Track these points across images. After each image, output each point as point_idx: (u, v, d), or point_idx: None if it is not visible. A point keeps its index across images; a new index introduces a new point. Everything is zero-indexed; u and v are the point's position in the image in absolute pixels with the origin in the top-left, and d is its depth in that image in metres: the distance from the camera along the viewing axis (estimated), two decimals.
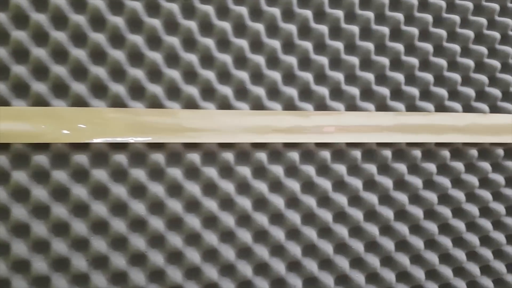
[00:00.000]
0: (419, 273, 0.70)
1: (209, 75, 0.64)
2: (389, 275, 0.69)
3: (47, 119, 0.58)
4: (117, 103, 0.61)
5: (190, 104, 0.63)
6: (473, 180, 0.73)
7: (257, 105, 0.66)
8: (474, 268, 0.73)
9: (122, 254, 0.61)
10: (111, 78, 0.61)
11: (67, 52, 0.59)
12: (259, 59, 0.65)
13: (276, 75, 0.66)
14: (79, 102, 0.60)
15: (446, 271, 0.72)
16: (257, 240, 0.66)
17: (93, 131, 0.59)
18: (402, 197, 0.70)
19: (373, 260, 0.69)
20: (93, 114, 0.59)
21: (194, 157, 0.63)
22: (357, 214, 0.69)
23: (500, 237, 0.74)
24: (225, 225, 0.64)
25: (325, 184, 0.68)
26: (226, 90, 0.64)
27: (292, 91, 0.66)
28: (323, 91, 0.67)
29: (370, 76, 0.69)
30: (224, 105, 0.65)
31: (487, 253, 0.73)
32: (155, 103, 0.62)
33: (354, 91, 0.68)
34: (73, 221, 0.59)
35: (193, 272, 0.64)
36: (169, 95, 0.63)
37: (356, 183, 0.69)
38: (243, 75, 0.65)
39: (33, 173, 0.58)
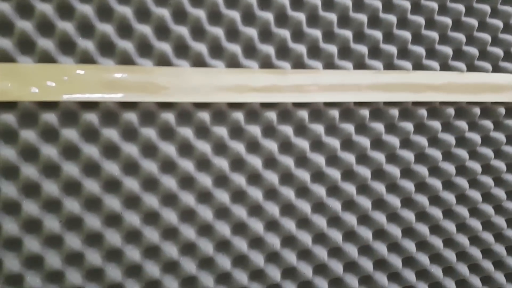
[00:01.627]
0: (396, 231, 0.71)
1: (182, 30, 0.61)
2: (366, 232, 0.70)
3: (13, 77, 0.55)
4: (86, 59, 0.58)
5: (163, 61, 0.61)
6: (450, 139, 0.73)
7: (233, 63, 0.64)
8: (450, 226, 0.74)
9: (96, 215, 0.60)
10: (79, 33, 0.58)
11: (32, 6, 0.56)
12: (235, 15, 0.63)
13: (252, 32, 0.64)
14: (46, 59, 0.57)
15: (423, 229, 0.73)
16: (235, 200, 0.66)
17: (62, 89, 0.56)
18: (379, 156, 0.70)
19: (350, 218, 0.69)
20: (61, 71, 0.57)
21: (169, 116, 0.62)
22: (335, 174, 0.68)
23: (476, 195, 0.75)
24: (202, 185, 0.64)
25: (303, 144, 0.67)
26: (201, 47, 0.62)
27: (269, 49, 0.65)
28: (301, 49, 0.66)
29: (348, 34, 0.67)
30: (199, 62, 0.63)
31: (463, 211, 0.74)
32: (126, 60, 0.60)
33: (332, 49, 0.67)
34: (43, 182, 0.58)
35: (170, 232, 0.63)
36: (140, 52, 0.61)
37: (334, 143, 0.68)
38: (218, 32, 0.63)
39: (0, 133, 0.56)
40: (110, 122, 0.60)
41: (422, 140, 0.72)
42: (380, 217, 0.71)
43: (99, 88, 0.57)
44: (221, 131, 0.64)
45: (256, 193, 0.66)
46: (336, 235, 0.69)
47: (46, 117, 0.57)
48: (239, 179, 0.65)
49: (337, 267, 0.69)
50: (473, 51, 0.73)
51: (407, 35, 0.70)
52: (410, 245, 0.72)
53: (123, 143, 0.60)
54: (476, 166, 0.74)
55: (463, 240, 0.75)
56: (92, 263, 0.60)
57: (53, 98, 0.56)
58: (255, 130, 0.65)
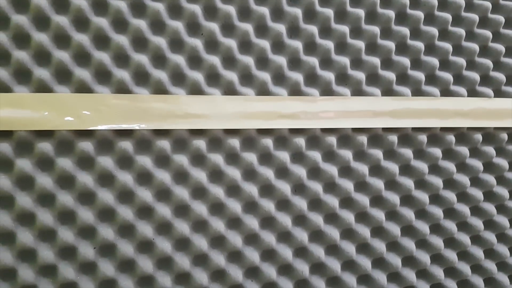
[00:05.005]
0: (424, 257, 0.71)
1: (214, 60, 0.63)
2: (395, 260, 0.70)
3: (50, 106, 0.56)
4: (122, 89, 0.60)
5: (195, 90, 0.62)
6: (478, 164, 0.73)
7: (263, 91, 0.65)
8: (478, 252, 0.73)
9: (129, 241, 0.61)
10: (115, 64, 0.60)
11: (69, 36, 0.58)
12: (265, 44, 0.64)
13: (281, 60, 0.65)
14: (83, 88, 0.59)
15: (451, 255, 0.72)
16: (264, 226, 0.66)
17: (97, 118, 0.57)
18: (408, 182, 0.70)
19: (380, 245, 0.69)
20: (97, 101, 0.58)
21: (200, 143, 0.63)
22: (364, 200, 0.69)
23: (504, 221, 0.74)
24: (232, 211, 0.64)
25: (331, 169, 0.67)
26: (231, 76, 0.63)
27: (298, 76, 0.66)
28: (329, 76, 0.67)
29: (376, 61, 0.68)
30: (229, 90, 0.64)
31: (491, 237, 0.74)
32: (159, 89, 0.61)
33: (360, 75, 0.68)
34: (79, 209, 0.59)
35: (200, 258, 0.63)
36: (173, 81, 0.62)
37: (363, 168, 0.68)
38: (248, 60, 0.64)
39: (37, 161, 0.57)
40: (144, 149, 0.61)
41: (451, 166, 0.71)
42: (410, 244, 0.70)
43: (134, 117, 0.58)
44: (251, 157, 0.65)
45: (285, 219, 0.66)
46: (366, 262, 0.69)
47: (82, 146, 0.58)
48: (268, 205, 0.65)
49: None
50: (500, 76, 0.73)
51: (434, 61, 0.70)
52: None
53: (156, 170, 0.61)
54: (504, 192, 0.74)
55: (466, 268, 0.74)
56: None
57: (88, 127, 0.57)
58: (284, 156, 0.66)
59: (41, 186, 0.57)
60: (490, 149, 0.73)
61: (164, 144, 0.61)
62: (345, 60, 0.67)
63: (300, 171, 0.66)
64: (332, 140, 0.67)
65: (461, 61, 0.71)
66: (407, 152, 0.70)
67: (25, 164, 0.57)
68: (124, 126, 0.58)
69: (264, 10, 0.64)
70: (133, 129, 0.60)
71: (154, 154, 0.61)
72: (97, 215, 0.60)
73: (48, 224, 0.57)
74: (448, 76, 0.71)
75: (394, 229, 0.70)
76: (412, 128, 0.70)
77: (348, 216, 0.68)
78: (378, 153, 0.69)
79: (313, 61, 0.66)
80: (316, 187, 0.67)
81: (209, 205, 0.64)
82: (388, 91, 0.69)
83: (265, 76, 0.65)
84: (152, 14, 0.60)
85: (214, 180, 0.64)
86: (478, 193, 0.73)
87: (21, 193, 0.57)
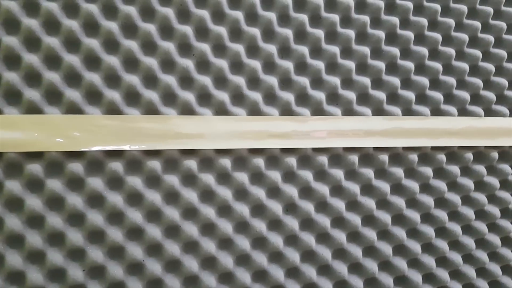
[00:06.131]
0: (416, 277, 0.70)
1: (206, 80, 0.63)
2: (387, 279, 0.69)
3: (40, 127, 0.56)
4: (112, 110, 0.60)
5: (187, 110, 0.62)
6: (469, 183, 0.73)
7: (254, 110, 0.65)
8: (470, 271, 0.73)
9: (119, 263, 0.60)
10: (106, 84, 0.60)
11: (60, 58, 0.58)
12: (256, 64, 0.65)
13: (273, 80, 0.65)
14: (73, 109, 0.58)
15: (443, 274, 0.72)
16: (256, 247, 0.66)
17: (87, 139, 0.57)
18: (399, 201, 0.70)
19: (372, 265, 0.69)
20: (87, 122, 0.58)
21: (191, 163, 0.62)
22: (355, 219, 0.68)
23: (495, 239, 0.75)
24: (223, 232, 0.64)
25: (323, 189, 0.67)
26: (223, 96, 0.64)
27: (289, 96, 0.66)
28: (320, 95, 0.67)
29: (366, 81, 0.69)
30: (221, 110, 0.64)
31: (483, 255, 0.74)
32: (151, 109, 0.61)
33: (351, 95, 0.68)
34: (68, 230, 0.58)
35: (191, 280, 0.63)
36: (165, 101, 0.62)
37: (354, 188, 0.68)
38: (240, 80, 0.64)
39: (26, 182, 0.57)
40: (135, 170, 0.61)
41: (441, 185, 0.72)
42: (401, 263, 0.70)
43: (125, 138, 0.58)
44: (242, 177, 0.65)
45: (277, 239, 0.66)
46: (358, 282, 0.68)
47: (71, 167, 0.58)
48: (260, 225, 0.65)
49: None
50: (490, 95, 0.74)
51: (424, 81, 0.71)
52: None
53: (146, 190, 0.61)
54: (495, 211, 0.74)
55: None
56: None
57: (78, 148, 0.57)
58: (275, 175, 0.66)
59: (30, 207, 0.57)
60: (481, 168, 0.74)
61: (155, 164, 0.61)
62: (335, 80, 0.68)
63: (292, 191, 0.66)
64: (324, 159, 0.67)
65: (451, 80, 0.72)
66: (398, 171, 0.70)
67: (14, 186, 0.56)
68: (115, 147, 0.58)
69: (255, 31, 0.64)
70: (124, 150, 0.60)
71: (145, 174, 0.61)
72: (87, 236, 0.59)
73: (37, 246, 0.57)
74: (438, 95, 0.71)
75: (386, 248, 0.69)
76: (403, 147, 0.70)
77: (340, 236, 0.68)
78: (369, 172, 0.69)
79: (304, 81, 0.67)
80: (308, 206, 0.67)
81: (200, 226, 0.63)
82: (378, 111, 0.69)
83: (256, 96, 0.65)
84: (144, 35, 0.61)
85: (205, 200, 0.64)
86: (469, 212, 0.73)
87: (10, 215, 0.56)
